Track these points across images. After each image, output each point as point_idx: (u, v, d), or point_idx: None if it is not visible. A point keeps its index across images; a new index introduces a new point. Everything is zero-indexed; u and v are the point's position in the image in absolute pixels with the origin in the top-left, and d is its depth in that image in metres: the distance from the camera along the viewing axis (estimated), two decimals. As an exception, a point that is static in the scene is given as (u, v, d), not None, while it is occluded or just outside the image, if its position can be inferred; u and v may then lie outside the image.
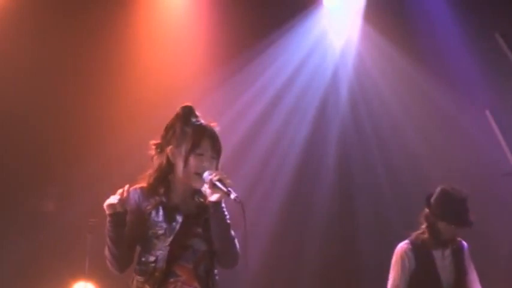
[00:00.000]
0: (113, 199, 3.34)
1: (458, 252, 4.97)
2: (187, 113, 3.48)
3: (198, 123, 3.47)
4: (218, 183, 3.30)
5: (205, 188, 3.36)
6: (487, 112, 6.53)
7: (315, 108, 8.04)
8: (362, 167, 8.03)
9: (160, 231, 3.38)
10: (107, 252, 3.41)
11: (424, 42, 7.70)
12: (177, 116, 3.48)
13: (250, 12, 7.67)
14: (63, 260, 7.17)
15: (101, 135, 7.33)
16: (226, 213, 3.39)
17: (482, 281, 5.06)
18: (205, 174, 3.34)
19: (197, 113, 3.50)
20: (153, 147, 3.50)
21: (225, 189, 3.29)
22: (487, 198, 7.06)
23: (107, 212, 3.35)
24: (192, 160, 3.39)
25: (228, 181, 3.31)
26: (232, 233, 3.41)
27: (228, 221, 3.39)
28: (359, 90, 8.05)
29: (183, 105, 3.51)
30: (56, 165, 7.43)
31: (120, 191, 3.36)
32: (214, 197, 3.34)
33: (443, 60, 7.62)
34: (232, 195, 3.26)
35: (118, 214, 3.35)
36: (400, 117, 7.86)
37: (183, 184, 3.44)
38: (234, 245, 3.41)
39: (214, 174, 3.32)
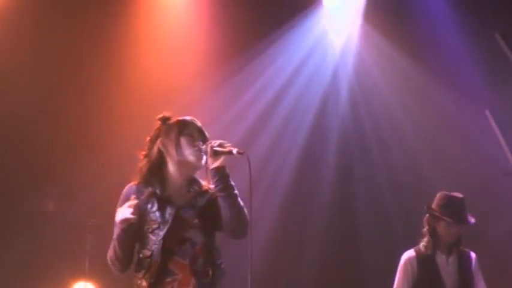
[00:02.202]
0: (126, 213, 3.33)
1: (464, 260, 4.97)
2: (166, 118, 3.57)
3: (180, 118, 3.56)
4: (218, 148, 3.36)
5: (207, 159, 3.39)
6: (487, 112, 6.52)
7: (315, 108, 8.03)
8: (362, 167, 8.03)
9: (155, 225, 3.39)
10: (112, 255, 3.41)
11: (424, 42, 7.70)
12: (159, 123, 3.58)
13: (250, 12, 7.66)
14: (63, 260, 7.16)
15: (101, 135, 7.32)
16: (232, 182, 3.41)
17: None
18: (203, 147, 3.40)
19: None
20: (142, 157, 3.55)
21: (226, 150, 3.32)
22: (487, 198, 7.06)
23: (122, 226, 3.34)
24: (183, 140, 3.45)
25: (228, 144, 3.38)
26: (241, 202, 3.41)
27: (236, 191, 3.41)
28: (359, 90, 8.04)
29: (161, 115, 3.59)
30: (56, 165, 7.43)
31: (129, 203, 3.36)
32: (217, 162, 3.37)
33: (443, 60, 7.61)
34: (235, 150, 3.33)
35: (132, 226, 3.35)
36: (400, 117, 7.85)
37: (178, 172, 3.46)
38: (244, 212, 3.41)
39: (213, 142, 3.40)
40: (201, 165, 3.45)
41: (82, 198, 7.14)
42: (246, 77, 7.85)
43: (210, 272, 3.39)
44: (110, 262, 3.44)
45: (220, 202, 3.38)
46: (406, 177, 7.69)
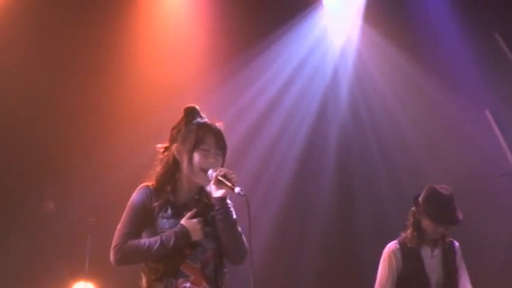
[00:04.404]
0: (198, 227, 3.35)
1: (448, 252, 4.93)
2: (192, 112, 3.51)
3: (203, 121, 3.50)
4: (223, 179, 3.33)
5: (210, 186, 3.37)
6: (487, 112, 6.52)
7: (315, 108, 8.04)
8: (362, 167, 8.03)
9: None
10: (127, 253, 3.36)
11: (424, 42, 7.70)
12: (183, 116, 3.52)
13: (250, 12, 7.67)
14: (63, 260, 7.17)
15: (101, 135, 7.33)
16: (232, 209, 3.40)
17: (479, 280, 5.05)
18: (210, 172, 3.37)
19: (202, 113, 3.53)
20: (161, 150, 3.52)
21: (229, 184, 3.31)
22: (487, 198, 7.06)
23: (194, 238, 3.34)
24: (196, 156, 3.41)
25: (233, 176, 3.34)
26: (239, 229, 3.41)
27: (235, 217, 3.40)
28: (359, 90, 8.05)
29: (188, 105, 3.53)
30: (56, 165, 7.43)
31: (199, 219, 3.37)
32: (219, 193, 3.36)
33: (443, 60, 7.62)
34: (237, 189, 3.28)
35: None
36: (400, 117, 7.86)
37: (189, 182, 3.45)
38: (242, 240, 3.41)
39: (219, 171, 3.36)
40: (206, 185, 3.44)
41: (82, 198, 7.14)
42: (246, 77, 7.85)
43: (219, 279, 3.40)
44: (115, 254, 3.36)
45: (220, 229, 3.39)
46: (406, 177, 7.68)
